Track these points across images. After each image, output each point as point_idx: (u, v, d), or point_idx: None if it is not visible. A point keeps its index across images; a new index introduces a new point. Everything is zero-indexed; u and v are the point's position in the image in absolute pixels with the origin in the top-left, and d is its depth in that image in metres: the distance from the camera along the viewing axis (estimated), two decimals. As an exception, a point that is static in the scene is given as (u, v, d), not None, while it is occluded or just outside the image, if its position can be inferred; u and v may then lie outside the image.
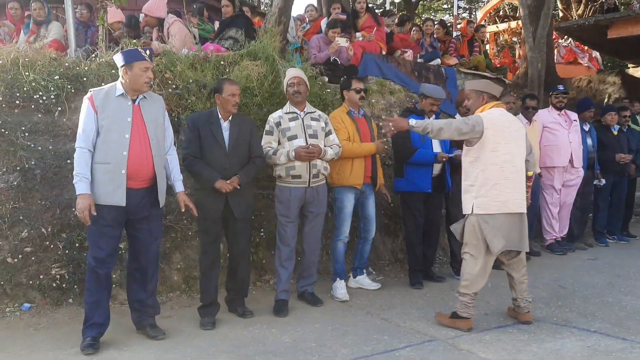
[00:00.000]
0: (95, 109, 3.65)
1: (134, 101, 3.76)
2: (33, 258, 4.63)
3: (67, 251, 4.69)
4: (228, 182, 4.15)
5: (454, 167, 5.28)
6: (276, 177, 4.63)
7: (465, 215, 4.09)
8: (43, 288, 4.59)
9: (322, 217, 4.74)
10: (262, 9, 15.52)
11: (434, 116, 5.30)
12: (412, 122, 4.16)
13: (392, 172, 5.61)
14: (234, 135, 4.27)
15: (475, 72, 8.84)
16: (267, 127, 4.64)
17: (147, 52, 3.79)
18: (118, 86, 3.77)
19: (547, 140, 6.58)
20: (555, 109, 6.78)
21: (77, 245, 4.71)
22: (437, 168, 5.26)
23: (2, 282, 4.50)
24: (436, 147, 5.24)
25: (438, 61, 8.40)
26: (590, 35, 12.15)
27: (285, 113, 4.65)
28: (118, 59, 3.79)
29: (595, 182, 7.17)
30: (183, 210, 4.00)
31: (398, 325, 4.18)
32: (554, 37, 12.99)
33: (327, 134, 4.72)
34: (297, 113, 4.63)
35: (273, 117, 4.66)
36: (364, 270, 5.33)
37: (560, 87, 6.87)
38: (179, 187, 4.00)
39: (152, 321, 3.97)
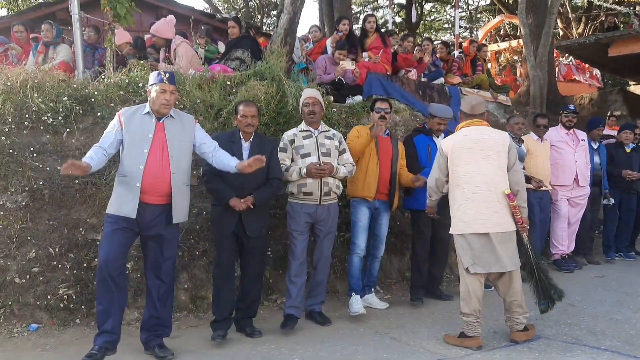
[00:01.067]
0: (121, 124, 3.82)
1: (158, 119, 3.87)
2: (41, 278, 4.64)
3: (74, 271, 4.69)
4: (242, 200, 4.18)
5: None
6: (288, 194, 4.66)
7: None
8: (50, 308, 4.59)
9: (333, 236, 4.76)
10: (263, 29, 15.69)
11: (442, 135, 5.33)
12: (428, 202, 4.55)
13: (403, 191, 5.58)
14: (253, 156, 4.27)
15: (478, 90, 8.88)
16: (280, 145, 4.68)
17: (167, 75, 3.89)
18: (147, 105, 3.93)
19: (553, 158, 6.61)
20: (564, 128, 6.82)
21: (84, 265, 4.72)
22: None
23: (10, 303, 4.51)
24: None
25: (441, 80, 8.44)
26: (591, 53, 12.26)
27: (299, 131, 4.71)
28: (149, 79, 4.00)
29: (605, 201, 7.13)
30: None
31: (407, 344, 4.16)
32: (554, 55, 13.11)
33: (341, 152, 4.76)
34: (311, 131, 4.69)
35: (287, 134, 4.73)
36: (372, 289, 5.28)
37: (571, 107, 6.92)
38: (235, 162, 3.97)
39: (160, 341, 3.95)
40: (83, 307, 4.63)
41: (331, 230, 4.71)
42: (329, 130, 4.82)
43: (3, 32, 8.72)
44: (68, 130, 5.13)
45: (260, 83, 5.72)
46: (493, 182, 4.05)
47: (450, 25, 23.75)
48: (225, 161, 4.02)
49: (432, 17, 25.32)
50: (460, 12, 15.07)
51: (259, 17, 22.42)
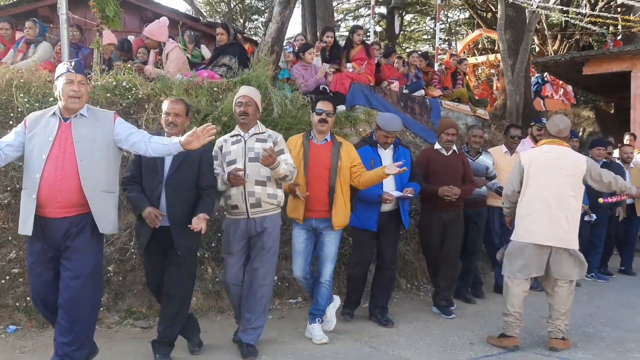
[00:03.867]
0: (25, 127, 3.32)
1: (65, 120, 3.33)
2: (20, 279, 4.60)
3: (55, 273, 4.65)
4: (154, 214, 3.61)
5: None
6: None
7: None
8: (29, 310, 4.54)
9: (271, 254, 4.11)
10: (245, 33, 15.72)
11: (391, 147, 4.89)
12: (504, 211, 4.75)
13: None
14: (177, 162, 3.72)
15: (458, 103, 9.07)
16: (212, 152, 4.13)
17: (72, 63, 3.38)
18: (55, 106, 3.40)
19: None
20: (532, 141, 6.58)
21: (65, 267, 4.67)
22: (387, 205, 4.82)
23: (-12, 304, 4.46)
24: (388, 185, 4.78)
25: (422, 92, 8.59)
26: (565, 70, 12.63)
27: (230, 136, 4.18)
28: None
29: (586, 218, 6.94)
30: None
31: (386, 352, 4.23)
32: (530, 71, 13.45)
33: (278, 153, 4.01)
34: (240, 135, 4.12)
35: (218, 140, 4.19)
36: (317, 319, 4.50)
37: (543, 120, 6.77)
38: (177, 139, 3.31)
39: None
40: (63, 309, 4.59)
41: (266, 247, 4.05)
42: (264, 132, 4.13)
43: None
44: (52, 130, 5.09)
45: (246, 90, 5.76)
46: (562, 199, 4.24)
47: (429, 37, 24.10)
48: (162, 143, 3.37)
49: (412, 28, 25.64)
50: (439, 25, 15.31)
51: (242, 21, 22.44)
